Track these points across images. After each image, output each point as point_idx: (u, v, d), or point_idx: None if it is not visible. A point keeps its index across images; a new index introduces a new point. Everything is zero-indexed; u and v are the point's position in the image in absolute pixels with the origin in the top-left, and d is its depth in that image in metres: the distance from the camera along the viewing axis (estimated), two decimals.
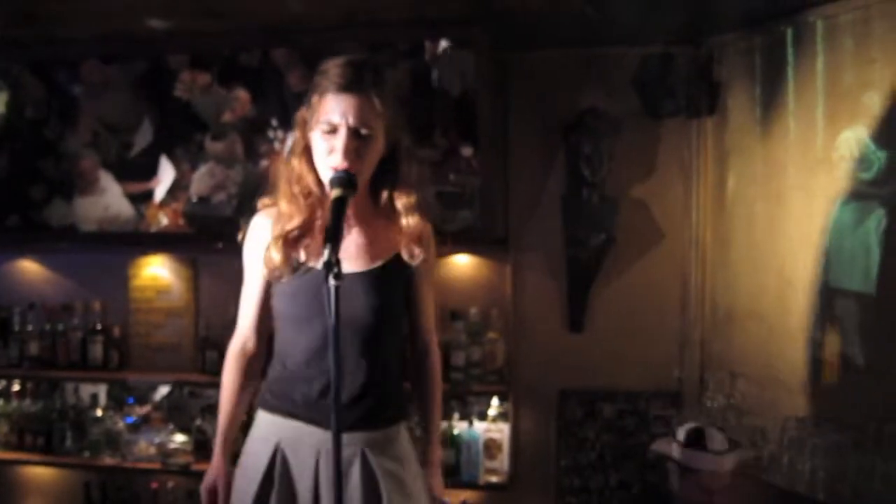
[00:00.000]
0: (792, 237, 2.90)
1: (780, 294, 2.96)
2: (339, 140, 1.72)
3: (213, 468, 1.97)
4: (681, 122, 3.31)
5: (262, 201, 1.93)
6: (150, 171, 3.60)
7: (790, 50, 2.87)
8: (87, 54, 3.54)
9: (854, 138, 2.64)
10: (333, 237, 1.52)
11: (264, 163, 3.51)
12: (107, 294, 3.72)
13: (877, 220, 2.59)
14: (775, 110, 2.97)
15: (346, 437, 1.73)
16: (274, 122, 3.51)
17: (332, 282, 1.46)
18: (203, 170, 3.57)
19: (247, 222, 1.94)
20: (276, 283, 1.85)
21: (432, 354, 2.02)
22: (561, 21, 3.08)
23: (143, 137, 3.58)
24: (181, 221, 3.56)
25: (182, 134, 3.56)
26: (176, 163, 3.57)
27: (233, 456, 2.00)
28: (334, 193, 1.67)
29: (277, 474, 1.81)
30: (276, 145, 3.51)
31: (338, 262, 1.48)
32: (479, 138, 3.23)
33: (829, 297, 2.77)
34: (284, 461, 1.82)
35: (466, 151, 3.31)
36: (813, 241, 2.81)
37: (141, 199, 3.61)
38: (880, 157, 2.57)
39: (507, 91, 3.44)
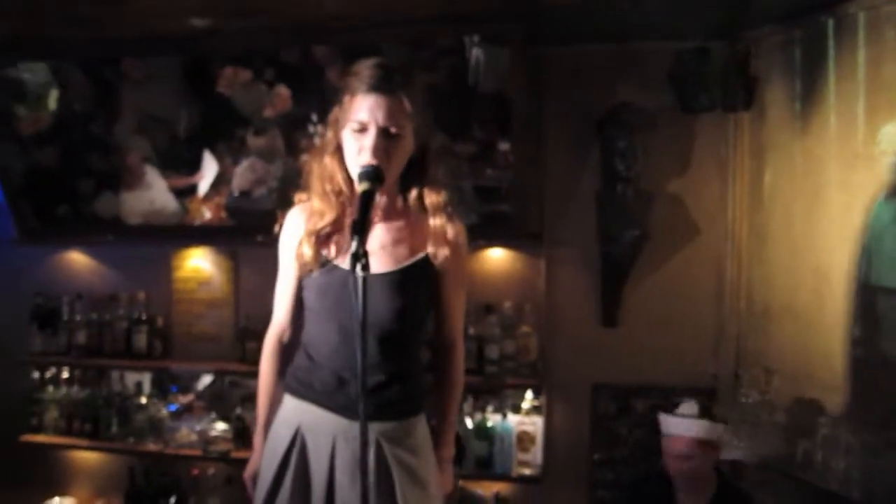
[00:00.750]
0: (829, 234, 2.86)
1: (817, 291, 2.92)
2: (369, 139, 1.76)
3: (255, 457, 2.04)
4: (717, 116, 3.28)
5: (299, 196, 1.98)
6: (195, 166, 3.69)
7: (830, 42, 2.83)
8: (131, 52, 3.64)
9: (890, 132, 2.60)
10: (360, 229, 1.56)
11: (304, 157, 3.56)
12: (150, 285, 3.83)
13: None
14: (813, 105, 2.93)
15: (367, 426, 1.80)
16: (314, 118, 3.56)
17: (359, 272, 1.50)
18: (244, 164, 3.64)
19: (283, 214, 1.99)
20: (306, 277, 1.90)
21: (456, 353, 2.04)
22: (595, 16, 3.08)
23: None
24: (223, 215, 3.65)
25: (224, 129, 3.63)
26: (218, 158, 3.65)
27: None
28: (361, 187, 1.71)
29: (295, 456, 1.87)
30: (316, 140, 3.56)
31: (365, 254, 1.51)
32: (514, 133, 3.25)
33: (867, 294, 2.73)
34: (303, 444, 1.88)
35: (503, 146, 3.33)
36: (851, 238, 2.77)
37: (185, 193, 3.70)
38: None
39: (542, 86, 3.45)
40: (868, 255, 2.72)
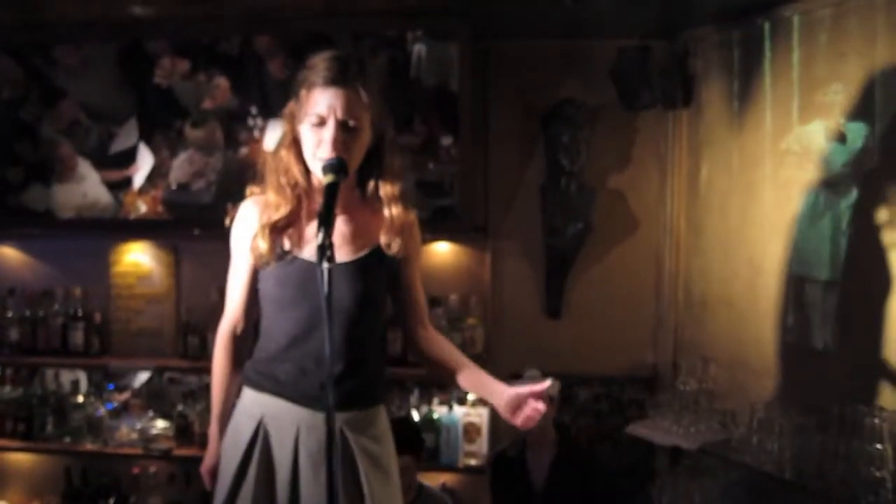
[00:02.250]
0: (763, 227, 2.99)
1: (751, 281, 3.06)
2: (328, 132, 1.77)
3: (212, 450, 2.03)
4: (657, 113, 3.39)
5: (251, 189, 1.97)
6: (129, 159, 3.60)
7: (766, 44, 2.96)
8: (65, 38, 3.53)
9: (813, 131, 2.74)
10: (326, 221, 1.57)
11: (244, 150, 3.53)
12: (87, 280, 3.72)
13: (841, 211, 2.69)
14: (748, 103, 3.06)
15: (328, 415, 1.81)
16: (254, 111, 3.53)
17: (324, 265, 1.52)
18: (183, 157, 3.57)
19: (235, 207, 1.98)
20: (263, 270, 1.90)
21: (432, 329, 2.07)
22: (540, 13, 3.14)
23: (129, 134, 3.57)
24: (160, 209, 3.57)
25: (161, 121, 3.56)
26: (155, 150, 3.57)
27: None
28: (326, 179, 1.71)
29: (258, 448, 1.87)
30: (256, 133, 3.53)
31: (331, 246, 1.54)
32: (460, 128, 3.28)
33: (795, 284, 2.87)
34: (266, 436, 1.88)
35: (446, 141, 3.36)
36: (783, 231, 2.90)
37: (119, 186, 3.60)
38: (848, 148, 2.66)
39: (487, 81, 3.49)
40: (796, 246, 2.86)
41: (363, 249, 1.89)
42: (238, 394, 2.03)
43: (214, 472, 2.00)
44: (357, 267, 1.86)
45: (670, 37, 3.32)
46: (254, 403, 1.92)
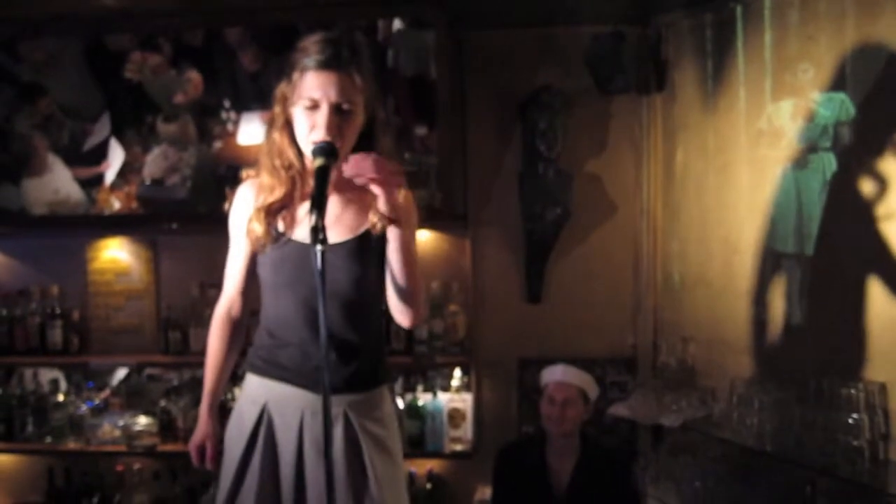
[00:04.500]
0: (738, 207, 3.06)
1: (727, 261, 3.12)
2: (322, 116, 1.78)
3: (201, 427, 2.05)
4: (631, 98, 3.43)
5: (246, 172, 2.00)
6: (100, 155, 3.57)
7: (739, 26, 3.00)
8: (30, 34, 3.48)
9: (784, 111, 2.80)
10: (319, 204, 1.60)
11: (218, 144, 3.51)
12: (65, 278, 3.69)
13: (812, 188, 2.76)
14: (722, 85, 3.12)
15: (333, 399, 1.80)
16: (227, 104, 3.51)
17: (318, 247, 1.55)
18: (156, 152, 3.55)
19: (233, 191, 2.01)
20: (260, 253, 1.92)
21: None
22: (516, 1, 3.16)
23: (102, 130, 3.54)
24: (134, 204, 3.54)
25: (133, 116, 3.53)
26: (127, 145, 3.54)
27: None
28: (317, 163, 1.72)
29: (262, 433, 1.89)
30: (230, 126, 3.52)
31: (323, 228, 1.56)
32: (438, 116, 3.29)
33: (771, 261, 2.94)
34: (270, 421, 1.90)
35: (421, 131, 3.37)
36: (758, 210, 2.97)
37: (91, 183, 3.57)
38: (818, 126, 2.73)
39: (464, 70, 3.51)
40: (772, 224, 2.93)
41: (358, 230, 1.90)
42: (231, 373, 2.05)
43: (202, 448, 2.02)
44: (351, 247, 1.87)
45: (643, 23, 3.37)
46: (258, 389, 1.93)
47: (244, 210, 1.94)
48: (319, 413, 1.81)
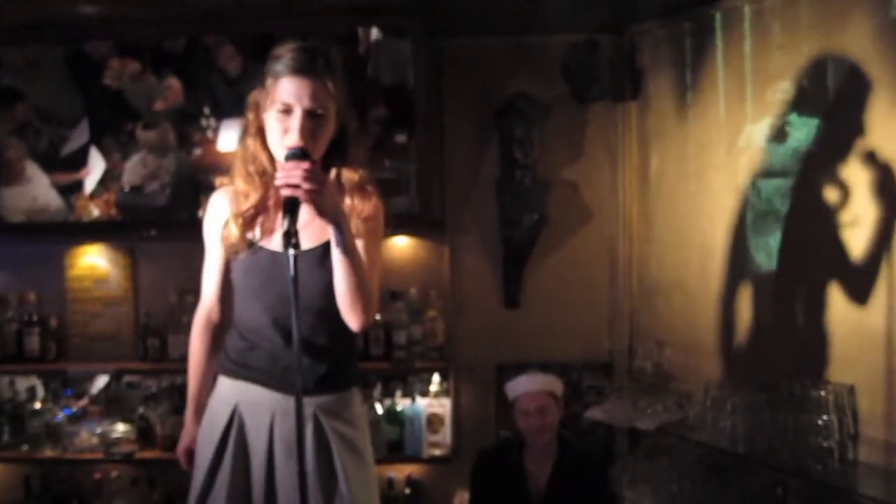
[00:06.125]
0: (713, 213, 3.11)
1: (702, 266, 3.17)
2: (295, 121, 1.80)
3: (187, 433, 2.09)
4: (606, 106, 3.49)
5: (220, 180, 2.02)
6: (80, 162, 3.56)
7: (718, 34, 3.05)
8: (9, 39, 3.47)
9: (757, 130, 2.86)
10: (291, 209, 1.64)
11: (197, 151, 3.51)
12: (42, 285, 3.67)
13: (782, 196, 2.82)
14: (694, 94, 3.17)
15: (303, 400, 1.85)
16: (206, 111, 3.52)
17: (290, 251, 1.59)
18: (135, 159, 3.54)
19: (207, 198, 2.03)
20: (234, 259, 1.94)
21: None
22: (492, 10, 3.21)
23: (80, 136, 3.53)
24: (113, 211, 3.53)
25: (112, 123, 3.52)
26: (106, 153, 3.53)
27: None
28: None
29: (233, 434, 1.91)
30: (210, 134, 3.52)
31: (296, 233, 1.61)
32: (416, 124, 3.32)
33: (743, 267, 2.99)
34: (241, 422, 1.93)
35: (400, 138, 3.39)
36: (731, 216, 3.02)
37: (70, 190, 3.55)
38: (791, 139, 2.79)
39: (441, 78, 3.55)
40: (744, 231, 2.98)
41: (324, 237, 1.89)
42: (213, 379, 2.07)
43: (190, 455, 2.05)
44: (322, 252, 1.88)
45: (618, 32, 3.42)
46: (229, 391, 1.96)
47: (218, 217, 1.97)
48: (289, 414, 1.83)
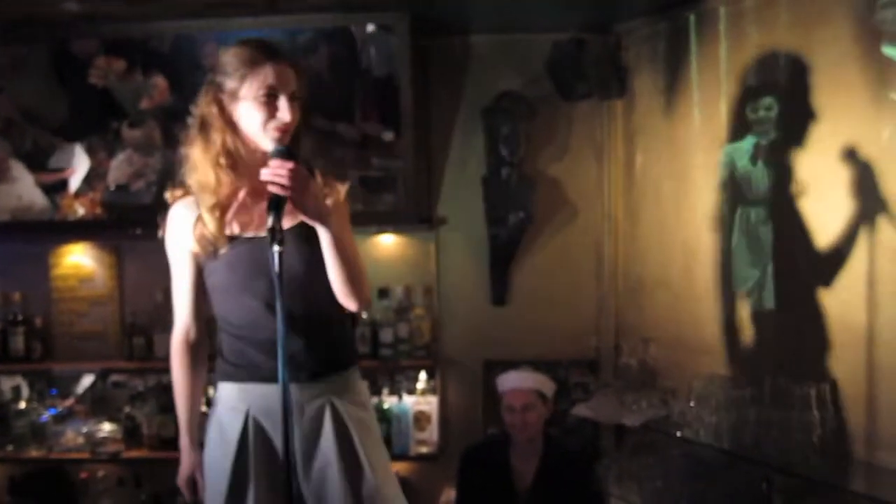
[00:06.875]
0: (696, 210, 3.12)
1: (686, 264, 3.19)
2: (283, 102, 1.79)
3: (187, 460, 2.03)
4: (592, 104, 3.50)
5: (173, 193, 1.96)
6: (65, 161, 3.55)
7: (692, 36, 3.08)
8: None
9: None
10: (276, 207, 1.64)
11: (183, 150, 3.50)
12: (27, 284, 3.65)
13: (763, 192, 2.84)
14: (679, 93, 3.19)
15: (313, 387, 1.86)
16: (192, 109, 3.50)
17: (275, 248, 1.59)
18: (121, 157, 3.54)
19: (164, 216, 1.95)
20: (209, 260, 1.88)
21: None
22: (479, 8, 3.21)
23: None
24: (99, 210, 3.52)
25: (98, 122, 3.51)
26: (91, 151, 3.52)
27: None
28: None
29: (253, 441, 1.86)
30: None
31: (281, 230, 1.61)
32: (402, 122, 3.33)
33: (726, 265, 3.01)
34: (258, 427, 1.87)
35: (388, 136, 3.40)
36: (713, 214, 3.03)
37: (54, 189, 3.54)
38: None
39: (428, 76, 3.55)
40: (727, 228, 2.99)
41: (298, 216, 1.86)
42: (202, 395, 2.05)
43: (194, 482, 2.01)
44: (300, 231, 1.85)
45: (603, 30, 3.43)
46: (235, 397, 1.90)
47: (183, 226, 1.90)
48: (303, 407, 1.84)
